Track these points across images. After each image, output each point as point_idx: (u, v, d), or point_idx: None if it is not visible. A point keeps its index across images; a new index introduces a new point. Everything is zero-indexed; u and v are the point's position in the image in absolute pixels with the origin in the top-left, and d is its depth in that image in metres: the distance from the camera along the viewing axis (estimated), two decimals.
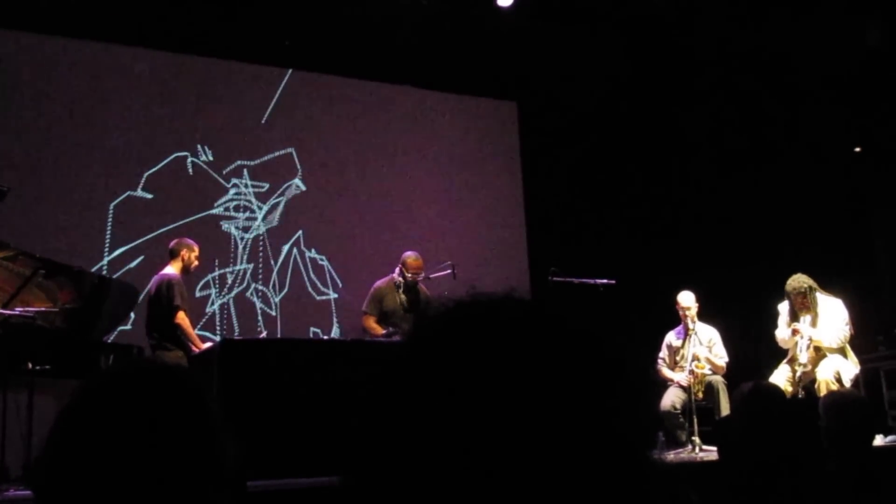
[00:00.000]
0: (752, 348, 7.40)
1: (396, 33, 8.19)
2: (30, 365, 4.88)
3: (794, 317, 6.42)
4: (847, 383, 6.08)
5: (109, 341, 5.67)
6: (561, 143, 9.14)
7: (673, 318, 6.90)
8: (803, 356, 6.29)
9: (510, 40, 8.56)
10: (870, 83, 8.18)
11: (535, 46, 8.68)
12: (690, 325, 6.70)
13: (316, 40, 8.21)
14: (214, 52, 8.14)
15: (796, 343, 6.35)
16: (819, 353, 6.30)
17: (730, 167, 8.72)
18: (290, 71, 8.51)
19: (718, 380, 6.59)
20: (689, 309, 6.70)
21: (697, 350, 6.64)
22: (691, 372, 6.54)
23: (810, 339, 6.24)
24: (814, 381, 6.22)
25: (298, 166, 8.47)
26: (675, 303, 6.79)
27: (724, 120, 8.83)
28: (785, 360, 6.45)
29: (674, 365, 6.84)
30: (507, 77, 9.08)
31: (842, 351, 6.27)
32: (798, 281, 6.35)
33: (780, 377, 6.34)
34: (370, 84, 8.81)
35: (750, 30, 8.38)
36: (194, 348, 5.84)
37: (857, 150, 8.70)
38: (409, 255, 6.70)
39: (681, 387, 6.62)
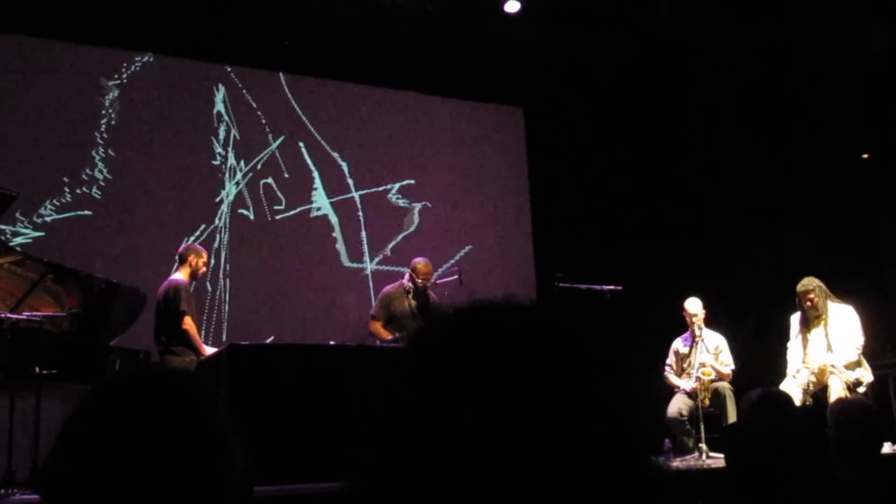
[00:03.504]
0: (761, 356, 7.37)
1: (402, 39, 8.21)
2: (37, 369, 4.89)
3: (805, 325, 6.40)
4: (860, 389, 6.06)
5: (117, 346, 5.67)
6: (567, 149, 9.14)
7: (680, 324, 6.88)
8: (813, 357, 6.28)
9: (517, 46, 8.58)
10: (877, 89, 8.16)
11: (541, 52, 8.69)
12: (697, 332, 6.68)
13: (322, 45, 8.23)
14: (218, 57, 8.18)
15: (808, 341, 6.33)
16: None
17: (737, 173, 8.71)
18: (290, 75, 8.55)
19: (725, 386, 6.57)
20: (696, 316, 6.69)
21: (704, 357, 6.63)
22: (698, 379, 6.53)
23: (833, 367, 6.18)
24: (825, 388, 6.19)
25: (302, 172, 8.49)
26: (682, 309, 6.78)
27: (731, 126, 8.81)
28: (792, 372, 6.42)
29: (681, 372, 6.82)
30: (514, 83, 9.09)
31: (856, 363, 6.24)
32: (808, 279, 6.37)
33: (791, 385, 6.32)
34: (376, 89, 8.83)
35: (757, 36, 8.37)
36: (200, 354, 5.86)
37: (865, 156, 8.68)
38: (420, 261, 6.73)
39: (687, 394, 6.60)
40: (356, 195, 8.66)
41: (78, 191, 7.49)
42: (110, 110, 7.71)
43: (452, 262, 7.11)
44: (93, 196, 7.53)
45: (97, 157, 7.60)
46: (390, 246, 8.59)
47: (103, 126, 7.66)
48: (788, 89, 8.50)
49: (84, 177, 7.53)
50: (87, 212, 7.47)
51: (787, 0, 7.91)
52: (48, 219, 7.32)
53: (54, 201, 7.37)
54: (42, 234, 7.27)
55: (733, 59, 8.64)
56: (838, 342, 6.25)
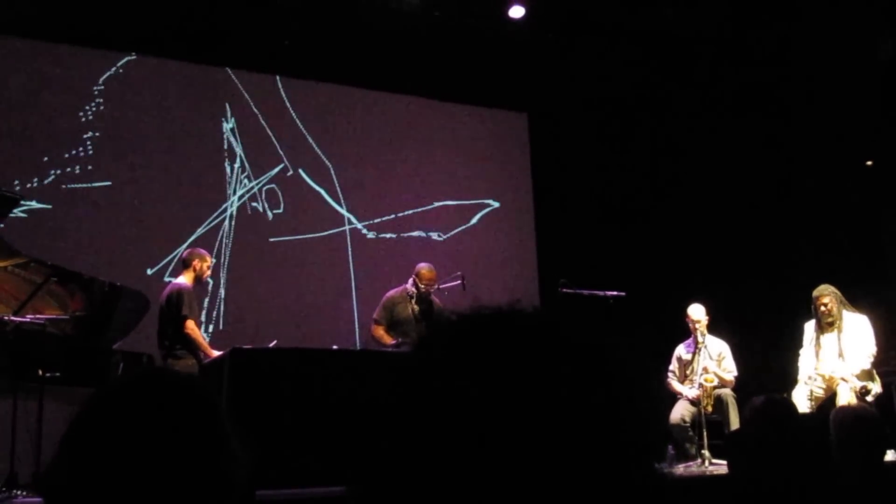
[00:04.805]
0: (764, 362, 7.36)
1: (407, 44, 8.23)
2: (40, 372, 4.90)
3: (818, 331, 6.41)
4: (869, 398, 6.06)
5: (119, 349, 5.67)
6: (571, 154, 9.14)
7: (683, 330, 6.87)
8: (825, 364, 6.28)
9: (521, 52, 8.59)
10: (882, 97, 8.16)
11: (545, 58, 8.70)
12: (700, 339, 6.67)
13: (325, 49, 8.25)
14: (223, 61, 8.20)
15: (820, 348, 6.33)
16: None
17: (741, 180, 8.70)
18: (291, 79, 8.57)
19: (728, 393, 6.56)
20: (699, 322, 6.68)
21: (707, 363, 6.62)
22: (700, 385, 6.51)
23: (843, 379, 6.18)
24: (834, 395, 6.19)
25: (306, 179, 8.50)
26: (685, 315, 6.77)
27: (735, 133, 8.81)
28: (804, 379, 6.42)
29: (683, 378, 6.81)
30: (518, 88, 9.10)
31: (867, 373, 6.25)
32: (823, 286, 6.41)
33: (801, 391, 6.33)
34: (380, 95, 8.84)
35: (762, 43, 8.38)
36: (205, 356, 5.86)
37: (869, 163, 8.67)
38: (423, 267, 6.73)
39: (690, 400, 6.59)
40: (356, 200, 8.66)
41: (79, 185, 7.50)
42: (110, 110, 7.73)
43: (455, 267, 7.10)
44: (93, 196, 7.54)
45: (93, 156, 7.61)
46: (392, 249, 8.58)
47: (104, 125, 7.68)
48: (794, 96, 8.50)
49: (84, 178, 7.54)
50: (89, 212, 7.48)
51: (793, 6, 7.91)
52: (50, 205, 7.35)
53: (51, 197, 7.39)
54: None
55: (739, 65, 8.64)
56: (850, 350, 6.26)
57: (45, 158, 7.38)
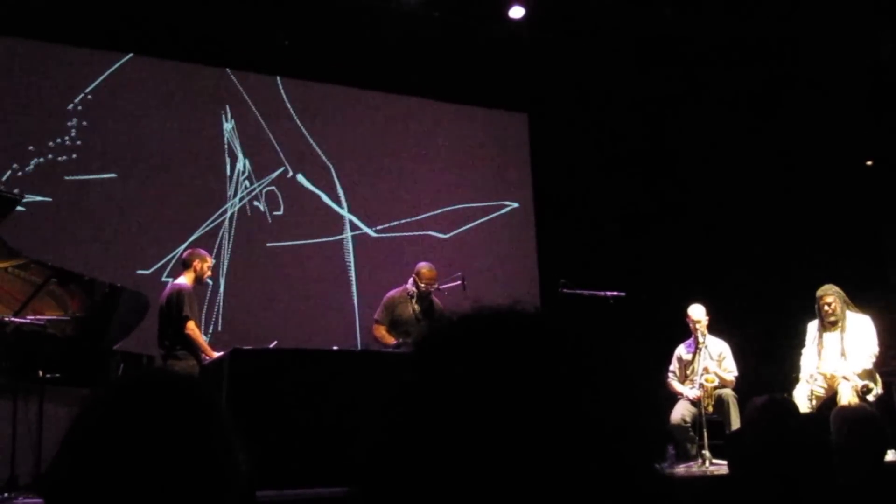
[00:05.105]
0: (765, 363, 7.35)
1: (407, 45, 8.23)
2: (40, 373, 4.90)
3: (821, 331, 6.41)
4: (870, 398, 6.07)
5: (119, 350, 5.67)
6: (571, 154, 9.14)
7: (683, 330, 6.87)
8: (827, 363, 6.28)
9: (521, 52, 8.59)
10: (882, 96, 8.15)
11: (546, 58, 8.70)
12: (701, 339, 6.67)
13: (325, 50, 8.25)
14: (223, 61, 8.20)
15: (823, 347, 6.34)
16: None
17: (741, 181, 8.70)
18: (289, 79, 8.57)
19: (729, 393, 6.56)
20: (699, 322, 6.68)
21: (707, 364, 6.62)
22: (701, 386, 6.51)
23: (844, 378, 6.19)
24: (835, 395, 6.19)
25: (307, 180, 8.51)
26: (685, 315, 6.77)
27: (735, 133, 8.81)
28: (805, 377, 6.42)
29: (684, 378, 6.81)
30: (518, 88, 9.10)
31: (869, 372, 6.26)
32: (827, 286, 6.44)
33: (803, 390, 6.33)
34: (380, 95, 8.84)
35: (762, 43, 8.37)
36: (206, 357, 5.86)
37: (869, 163, 8.66)
38: (424, 266, 6.73)
39: (690, 400, 6.59)
40: (357, 201, 8.66)
41: (78, 183, 7.50)
42: (111, 110, 7.73)
43: (456, 267, 7.11)
44: (93, 196, 7.54)
45: (93, 156, 7.61)
46: (392, 249, 8.58)
47: (105, 124, 7.68)
48: (793, 95, 8.50)
49: (84, 178, 7.54)
50: (88, 212, 7.48)
51: (793, 5, 7.91)
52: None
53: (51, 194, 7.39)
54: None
55: (738, 65, 8.64)
56: (853, 349, 6.27)
57: (41, 156, 7.38)
